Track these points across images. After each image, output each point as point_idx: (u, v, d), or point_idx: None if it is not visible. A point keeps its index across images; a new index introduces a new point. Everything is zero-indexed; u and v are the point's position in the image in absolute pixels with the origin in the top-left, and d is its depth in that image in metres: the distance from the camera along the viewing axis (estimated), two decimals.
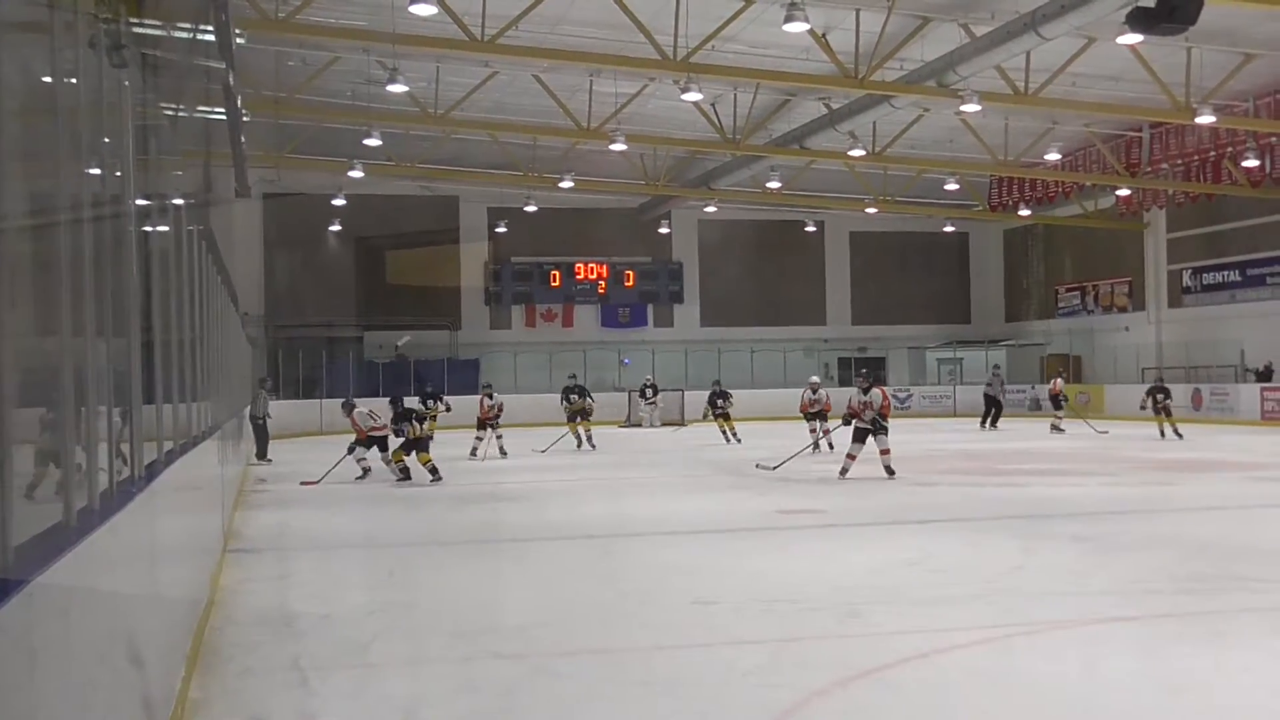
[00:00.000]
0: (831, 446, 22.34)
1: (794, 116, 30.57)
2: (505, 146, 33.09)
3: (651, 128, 30.98)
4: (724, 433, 27.66)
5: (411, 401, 20.74)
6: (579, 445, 25.25)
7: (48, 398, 3.64)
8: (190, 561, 7.53)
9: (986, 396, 34.18)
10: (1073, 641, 7.44)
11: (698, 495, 16.60)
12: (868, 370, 23.05)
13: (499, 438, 23.17)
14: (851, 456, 17.99)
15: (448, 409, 25.70)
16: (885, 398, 18.28)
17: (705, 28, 22.53)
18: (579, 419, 25.62)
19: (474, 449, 22.93)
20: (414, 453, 18.06)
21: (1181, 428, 26.27)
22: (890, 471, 17.81)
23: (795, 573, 9.96)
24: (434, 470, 17.90)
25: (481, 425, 23.29)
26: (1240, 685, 6.39)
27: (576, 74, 26.65)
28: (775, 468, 19.08)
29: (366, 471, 18.78)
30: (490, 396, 23.47)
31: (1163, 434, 26.40)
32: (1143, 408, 27.33)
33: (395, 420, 18.42)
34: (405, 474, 18.11)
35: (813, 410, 24.07)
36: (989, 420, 33.26)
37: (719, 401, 27.99)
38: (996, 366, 37.11)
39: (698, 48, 22.75)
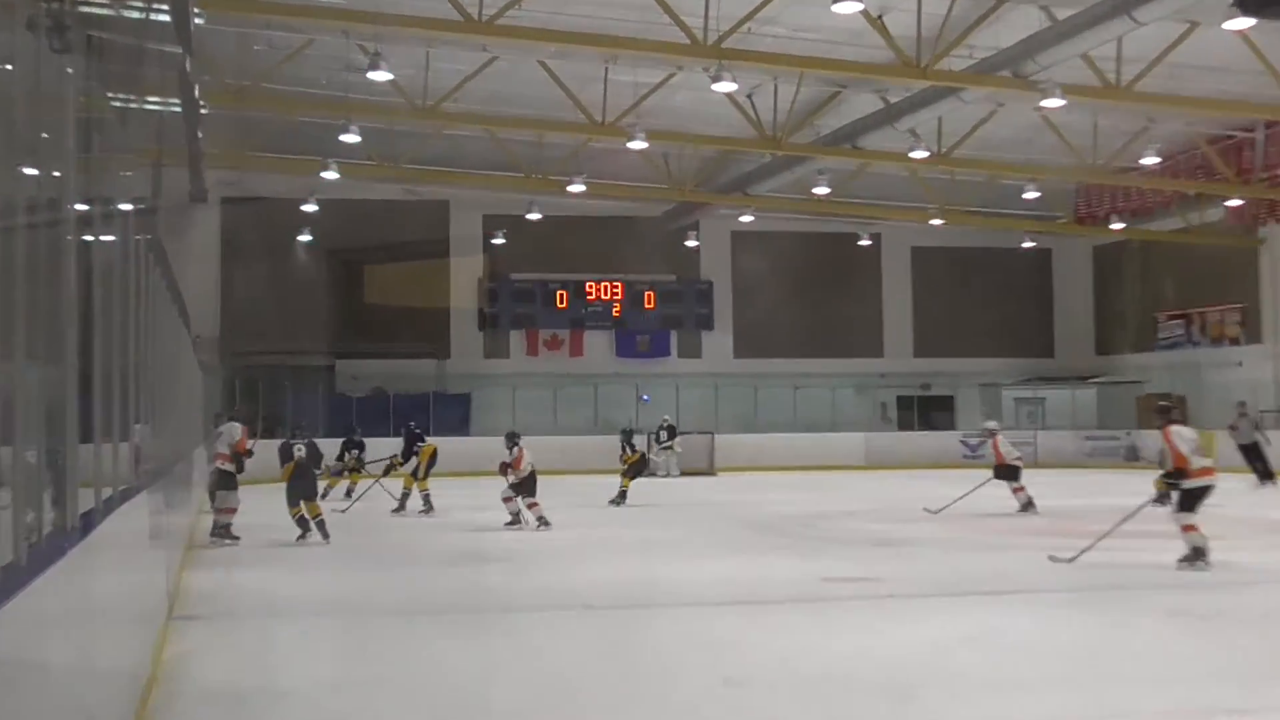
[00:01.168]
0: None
1: (845, 111, 30.62)
2: (505, 145, 33.20)
3: (677, 123, 31.03)
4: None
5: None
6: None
7: None
8: (130, 629, 7.56)
9: (1244, 449, 31.15)
10: None
11: (726, 558, 16.58)
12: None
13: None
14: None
15: (358, 464, 26.03)
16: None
17: (741, 8, 22.62)
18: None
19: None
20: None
21: None
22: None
23: (841, 650, 9.96)
24: (305, 524, 17.97)
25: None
26: None
27: (589, 61, 26.73)
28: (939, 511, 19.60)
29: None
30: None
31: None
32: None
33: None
34: (303, 527, 18.08)
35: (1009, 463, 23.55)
36: (1265, 474, 30.22)
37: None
38: (1242, 403, 33.19)
39: (732, 31, 22.81)
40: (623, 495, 24.75)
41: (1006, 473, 23.05)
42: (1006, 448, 23.30)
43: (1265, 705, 8.08)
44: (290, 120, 30.64)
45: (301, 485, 18.37)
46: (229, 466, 18.25)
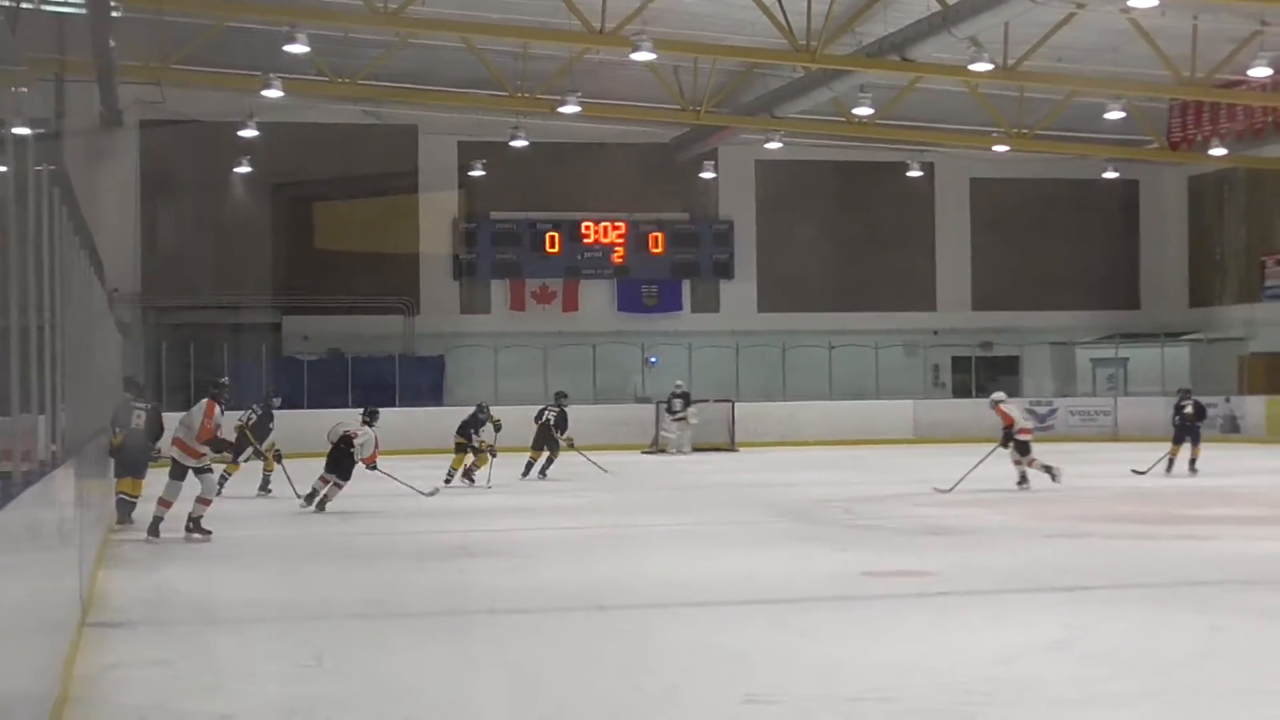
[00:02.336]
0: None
1: (892, 16, 30.55)
2: (484, 56, 33.08)
3: (692, 30, 30.99)
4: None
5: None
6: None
7: None
8: (33, 642, 7.54)
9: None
10: None
11: (750, 550, 16.60)
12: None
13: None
14: None
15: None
16: None
17: None
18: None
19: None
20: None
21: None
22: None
23: (888, 660, 9.95)
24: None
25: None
26: None
27: None
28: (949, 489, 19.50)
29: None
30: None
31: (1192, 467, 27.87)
32: None
33: None
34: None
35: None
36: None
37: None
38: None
39: None
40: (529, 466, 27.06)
41: (1019, 444, 23.74)
42: (1018, 414, 24.28)
43: None
44: (225, 26, 30.44)
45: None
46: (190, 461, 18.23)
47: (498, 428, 25.87)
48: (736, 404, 38.60)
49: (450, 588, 14.09)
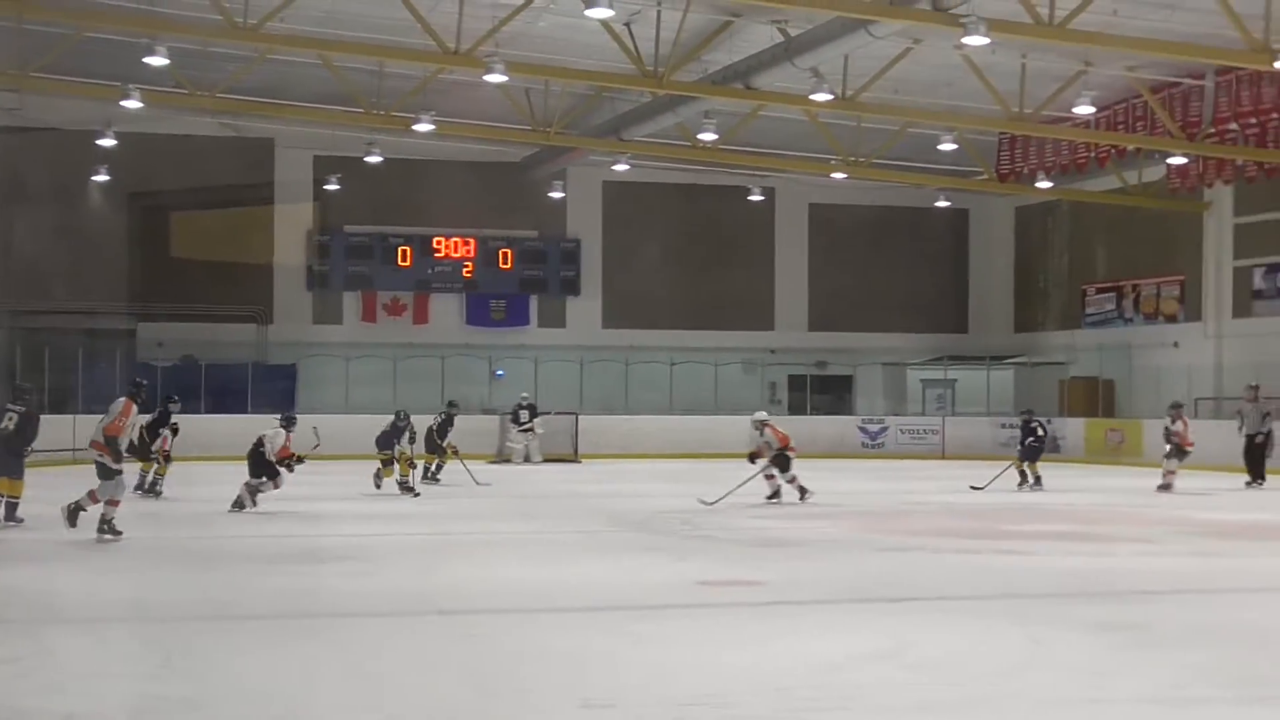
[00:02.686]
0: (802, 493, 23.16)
1: (737, 45, 30.70)
2: (341, 73, 32.86)
3: (544, 54, 30.98)
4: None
5: None
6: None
7: None
8: None
9: (1249, 440, 29.80)
10: None
11: (591, 559, 16.58)
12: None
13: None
14: None
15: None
16: None
17: None
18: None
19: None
20: None
21: (1240, 481, 26.69)
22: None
23: (721, 667, 9.96)
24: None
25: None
26: None
27: None
28: (714, 502, 19.30)
29: None
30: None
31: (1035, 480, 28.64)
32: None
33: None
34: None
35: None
36: (1259, 474, 29.45)
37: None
38: (1255, 386, 30.76)
39: None
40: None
41: (782, 459, 23.31)
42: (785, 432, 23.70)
43: None
44: (84, 36, 29.98)
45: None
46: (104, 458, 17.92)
47: (412, 439, 25.67)
48: (580, 416, 38.65)
49: (299, 591, 13.94)
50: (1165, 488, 27.42)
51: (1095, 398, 43.27)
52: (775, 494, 23.24)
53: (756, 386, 44.29)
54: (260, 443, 20.81)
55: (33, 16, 27.03)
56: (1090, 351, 44.15)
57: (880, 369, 46.30)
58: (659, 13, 28.91)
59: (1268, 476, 28.76)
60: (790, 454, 23.28)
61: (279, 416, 22.19)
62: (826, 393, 45.15)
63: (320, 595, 13.63)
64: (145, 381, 21.70)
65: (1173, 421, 28.28)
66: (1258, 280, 38.94)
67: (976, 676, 9.73)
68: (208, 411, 34.82)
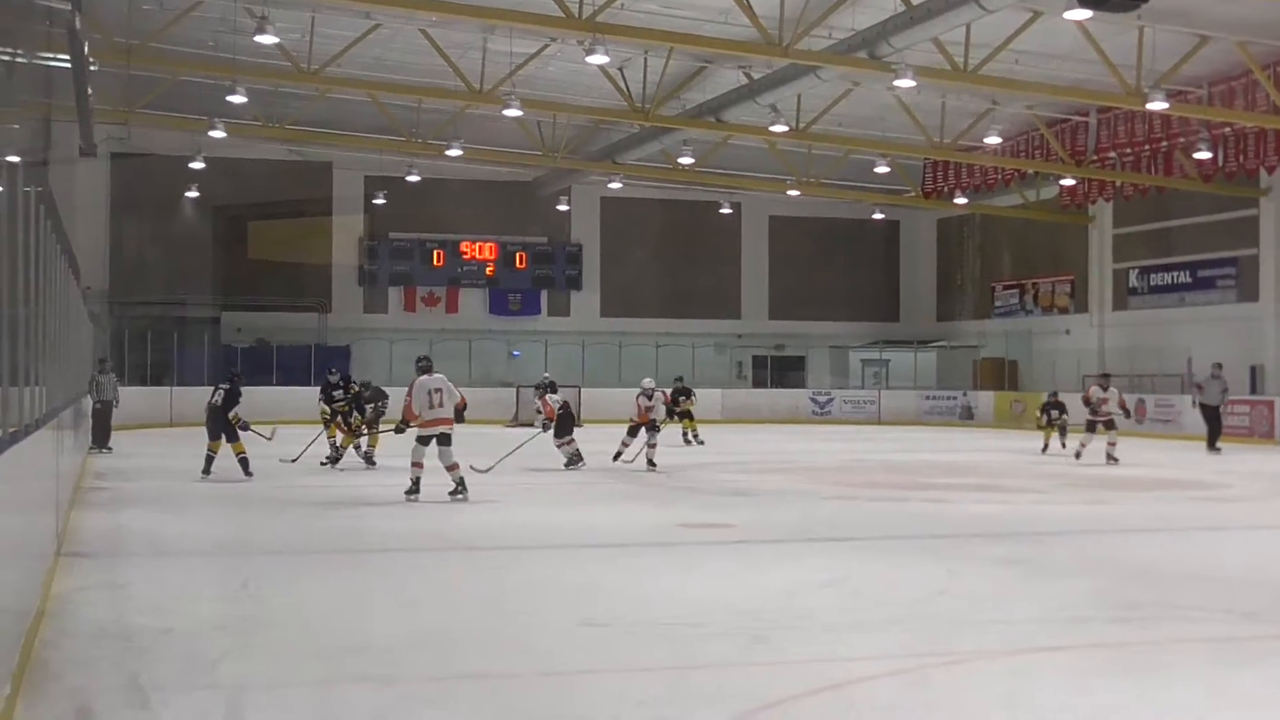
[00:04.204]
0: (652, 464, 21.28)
1: (710, 86, 30.67)
2: (386, 109, 32.80)
3: (551, 93, 30.93)
4: (685, 434, 28.00)
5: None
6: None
7: None
8: (18, 566, 7.41)
9: (1205, 408, 28.08)
10: (996, 673, 7.57)
11: (591, 505, 16.61)
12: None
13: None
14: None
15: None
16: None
17: None
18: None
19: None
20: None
21: (1122, 441, 26.30)
22: None
23: (696, 593, 10.01)
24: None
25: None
26: None
27: (468, 30, 26.47)
28: (487, 469, 18.85)
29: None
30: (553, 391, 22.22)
31: (1045, 449, 26.95)
32: (1040, 427, 27.89)
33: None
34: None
35: (652, 420, 21.81)
36: (1212, 441, 27.76)
37: (680, 399, 28.00)
38: (1218, 365, 29.06)
39: (605, 5, 22.70)
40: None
41: (560, 427, 21.62)
42: (555, 401, 21.86)
43: (1077, 644, 8.28)
44: (179, 80, 29.90)
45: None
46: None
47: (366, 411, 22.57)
48: (582, 389, 38.55)
49: (349, 531, 13.99)
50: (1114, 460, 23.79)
51: (1002, 375, 43.29)
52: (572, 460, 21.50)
53: (726, 365, 44.29)
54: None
55: (137, 64, 26.89)
56: (998, 337, 44.19)
57: (827, 351, 46.27)
58: (646, 60, 28.86)
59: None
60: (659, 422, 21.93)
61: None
62: (783, 370, 45.11)
63: (366, 535, 13.66)
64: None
65: (1103, 389, 24.60)
66: (1132, 280, 38.99)
67: (903, 601, 9.77)
68: (278, 384, 34.72)
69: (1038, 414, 28.03)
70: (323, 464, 20.91)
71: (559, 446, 21.09)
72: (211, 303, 39.16)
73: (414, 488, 15.57)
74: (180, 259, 38.62)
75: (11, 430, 7.27)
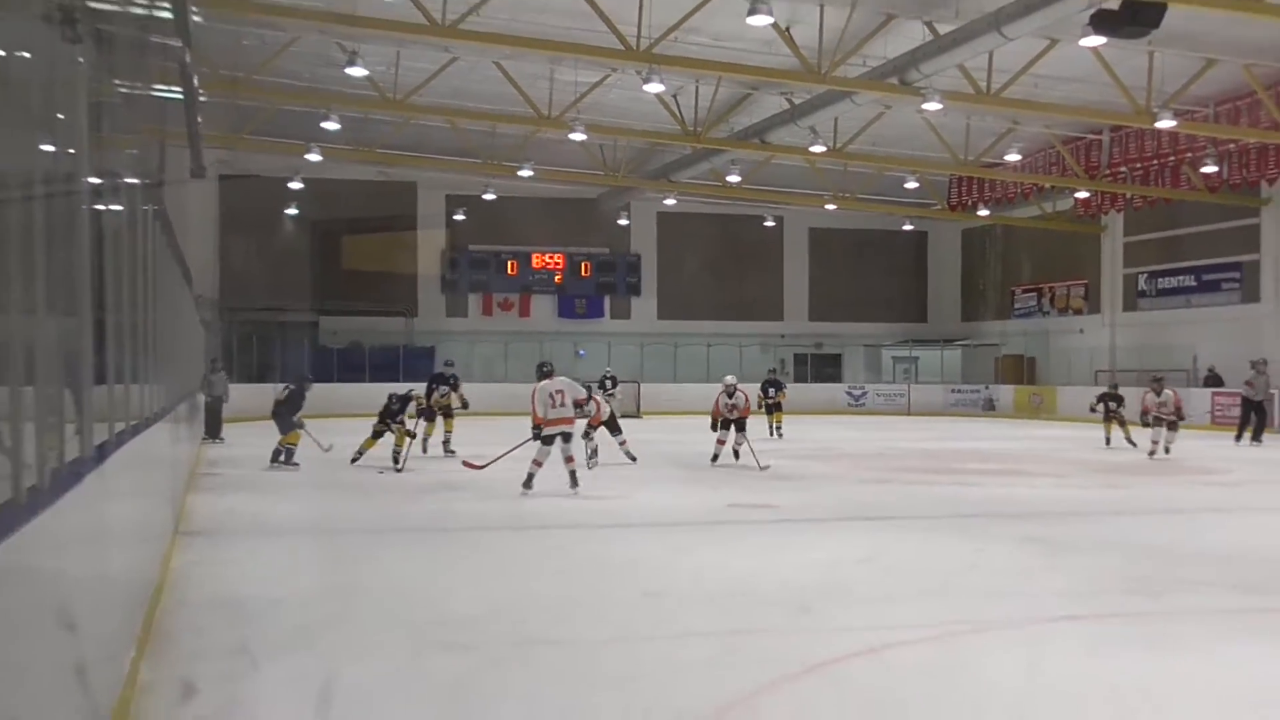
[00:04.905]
0: (736, 456, 19.83)
1: (755, 110, 30.63)
2: (464, 133, 32.98)
3: (612, 118, 30.95)
4: (771, 426, 27.11)
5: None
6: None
7: None
8: (141, 543, 7.49)
9: (1246, 402, 26.87)
10: (1019, 641, 7.52)
11: (649, 488, 16.57)
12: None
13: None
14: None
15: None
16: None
17: (669, 18, 22.52)
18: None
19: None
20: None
21: (1132, 430, 25.90)
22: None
23: (745, 567, 10.00)
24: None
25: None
26: (1182, 689, 6.48)
27: (537, 62, 26.55)
28: (483, 466, 17.15)
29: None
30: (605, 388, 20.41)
31: (1108, 441, 24.60)
32: (1093, 410, 25.74)
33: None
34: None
35: (730, 417, 19.87)
36: (1251, 432, 26.25)
37: (770, 390, 27.21)
38: (1262, 361, 27.74)
39: (661, 38, 22.74)
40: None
41: (612, 426, 20.13)
42: (605, 404, 20.46)
43: (1093, 614, 8.21)
44: (278, 109, 30.20)
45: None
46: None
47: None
48: (641, 384, 38.63)
49: (436, 513, 14.05)
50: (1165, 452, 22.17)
51: (1021, 370, 43.06)
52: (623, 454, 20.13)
53: (770, 362, 44.13)
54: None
55: (242, 95, 27.16)
56: (1017, 336, 43.94)
57: (862, 349, 46.11)
58: (697, 87, 28.90)
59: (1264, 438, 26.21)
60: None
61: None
62: (821, 366, 44.97)
63: (448, 516, 13.72)
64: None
65: (1158, 393, 22.40)
66: (1141, 284, 38.66)
67: (932, 575, 9.73)
68: (370, 382, 34.93)
69: (1095, 404, 25.33)
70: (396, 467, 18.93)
71: (619, 443, 20.16)
72: (310, 309, 39.48)
73: (529, 482, 14.97)
74: (281, 270, 38.99)
75: (133, 424, 7.33)
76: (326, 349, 39.02)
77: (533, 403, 15.08)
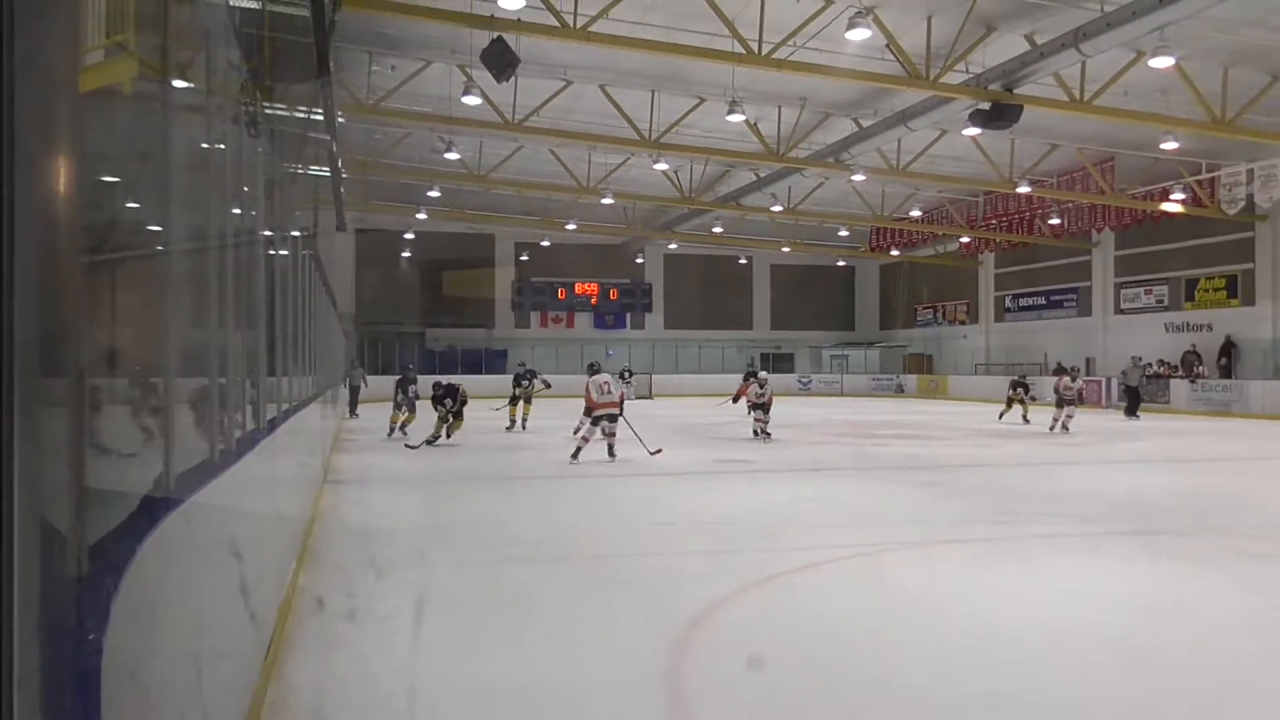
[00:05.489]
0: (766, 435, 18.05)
1: (732, 181, 30.59)
2: (528, 199, 33.00)
3: (631, 187, 30.93)
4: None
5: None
6: (510, 427, 19.93)
7: (200, 369, 3.65)
8: (300, 489, 7.52)
9: (1127, 389, 26.36)
10: (921, 557, 7.51)
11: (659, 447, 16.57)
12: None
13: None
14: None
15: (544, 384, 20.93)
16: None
17: (671, 117, 22.54)
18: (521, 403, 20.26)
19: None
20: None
21: (999, 409, 25.52)
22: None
23: (727, 504, 10.00)
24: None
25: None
26: (1035, 588, 6.47)
27: (579, 148, 26.55)
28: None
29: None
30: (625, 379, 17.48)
31: (1001, 417, 23.13)
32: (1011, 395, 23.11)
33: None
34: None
35: (759, 402, 18.28)
36: (1132, 410, 25.85)
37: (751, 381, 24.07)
38: (1137, 357, 27.79)
39: (666, 131, 22.75)
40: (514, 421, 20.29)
41: (760, 409, 18.10)
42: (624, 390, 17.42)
43: (973, 538, 8.16)
44: (397, 182, 30.25)
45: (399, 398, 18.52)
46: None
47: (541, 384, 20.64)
48: (653, 375, 38.62)
49: (506, 465, 14.06)
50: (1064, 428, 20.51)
51: (922, 364, 42.90)
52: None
53: (743, 359, 44.06)
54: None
55: (372, 173, 27.24)
56: (920, 340, 43.77)
57: (808, 350, 46.00)
58: (691, 166, 28.88)
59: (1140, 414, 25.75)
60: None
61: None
62: (779, 362, 44.87)
63: (518, 468, 13.74)
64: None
65: (1073, 380, 20.74)
66: (1007, 302, 38.52)
67: (856, 509, 9.72)
68: (462, 373, 34.94)
69: (1009, 391, 23.19)
70: (508, 428, 18.65)
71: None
72: (419, 323, 39.53)
73: (576, 453, 13.96)
74: (399, 295, 39.04)
75: (295, 403, 7.37)
76: (431, 351, 39.02)
77: (587, 391, 14.62)
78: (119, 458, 2.51)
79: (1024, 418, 22.93)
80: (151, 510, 2.57)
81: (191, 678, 2.83)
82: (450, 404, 16.43)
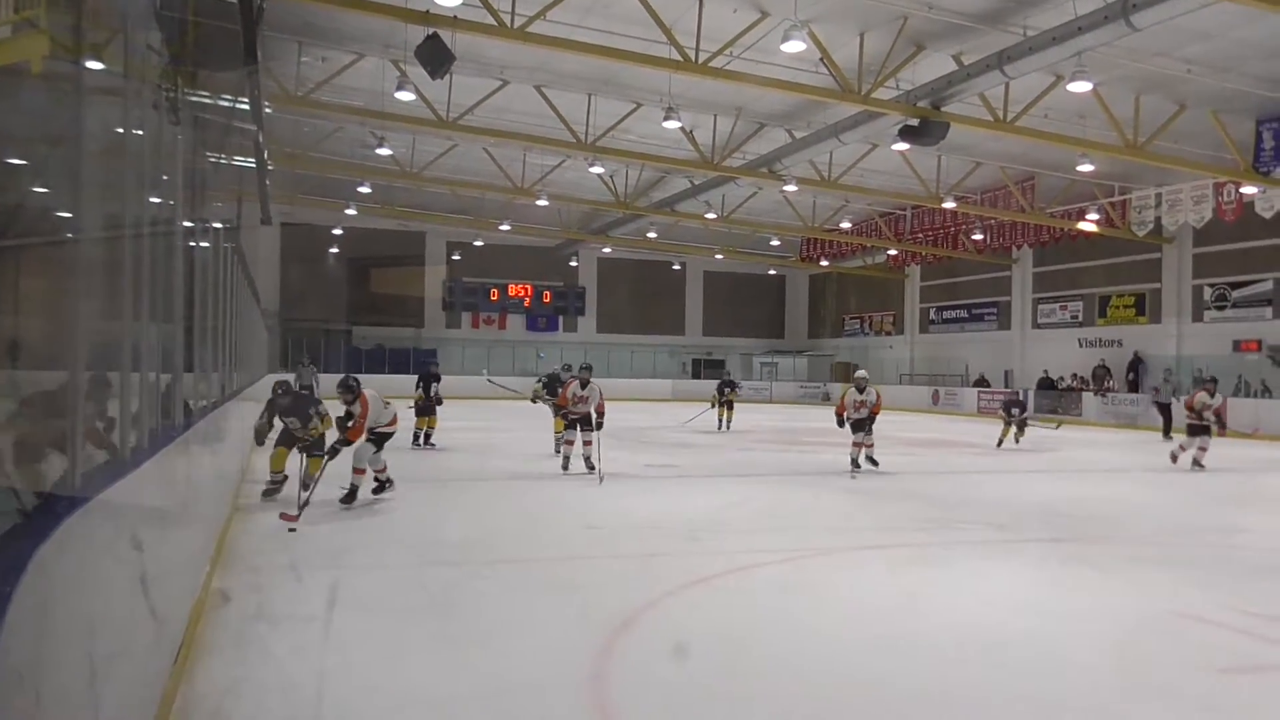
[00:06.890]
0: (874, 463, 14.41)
1: (667, 187, 30.61)
2: (461, 198, 32.65)
3: (567, 190, 30.80)
4: (720, 419, 22.79)
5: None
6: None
7: (113, 364, 3.52)
8: (216, 488, 7.32)
9: (1159, 406, 23.09)
10: (844, 562, 7.57)
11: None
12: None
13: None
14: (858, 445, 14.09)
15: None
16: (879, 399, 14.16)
17: (608, 122, 22.48)
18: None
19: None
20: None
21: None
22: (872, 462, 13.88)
23: (656, 508, 9.99)
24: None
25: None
26: (952, 591, 6.56)
27: (514, 148, 26.32)
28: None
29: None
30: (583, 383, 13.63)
31: (1017, 440, 19.43)
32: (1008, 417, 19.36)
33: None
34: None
35: (859, 416, 14.32)
36: (1167, 430, 21.93)
37: (726, 390, 23.24)
38: (1169, 370, 25.30)
39: (602, 135, 22.67)
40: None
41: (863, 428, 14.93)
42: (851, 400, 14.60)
43: (894, 544, 8.29)
44: (326, 177, 29.64)
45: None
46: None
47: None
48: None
49: (436, 467, 13.89)
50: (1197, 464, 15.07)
51: (849, 373, 43.24)
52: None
53: (676, 364, 44.24)
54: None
55: (300, 166, 26.70)
56: (846, 349, 44.27)
57: (739, 356, 46.23)
58: (627, 170, 28.83)
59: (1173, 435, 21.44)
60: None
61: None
62: (711, 367, 45.04)
63: (448, 470, 13.56)
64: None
65: (1210, 395, 14.83)
66: (931, 314, 39.17)
67: (784, 515, 9.77)
68: (389, 374, 34.46)
69: (1003, 411, 19.78)
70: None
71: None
72: (346, 321, 38.89)
73: (558, 447, 13.52)
74: (326, 292, 38.33)
75: (213, 401, 7.18)
76: (358, 349, 38.40)
77: (563, 393, 13.75)
78: (20, 453, 2.40)
79: (1016, 439, 19.48)
80: (55, 509, 2.46)
81: (86, 680, 2.71)
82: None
